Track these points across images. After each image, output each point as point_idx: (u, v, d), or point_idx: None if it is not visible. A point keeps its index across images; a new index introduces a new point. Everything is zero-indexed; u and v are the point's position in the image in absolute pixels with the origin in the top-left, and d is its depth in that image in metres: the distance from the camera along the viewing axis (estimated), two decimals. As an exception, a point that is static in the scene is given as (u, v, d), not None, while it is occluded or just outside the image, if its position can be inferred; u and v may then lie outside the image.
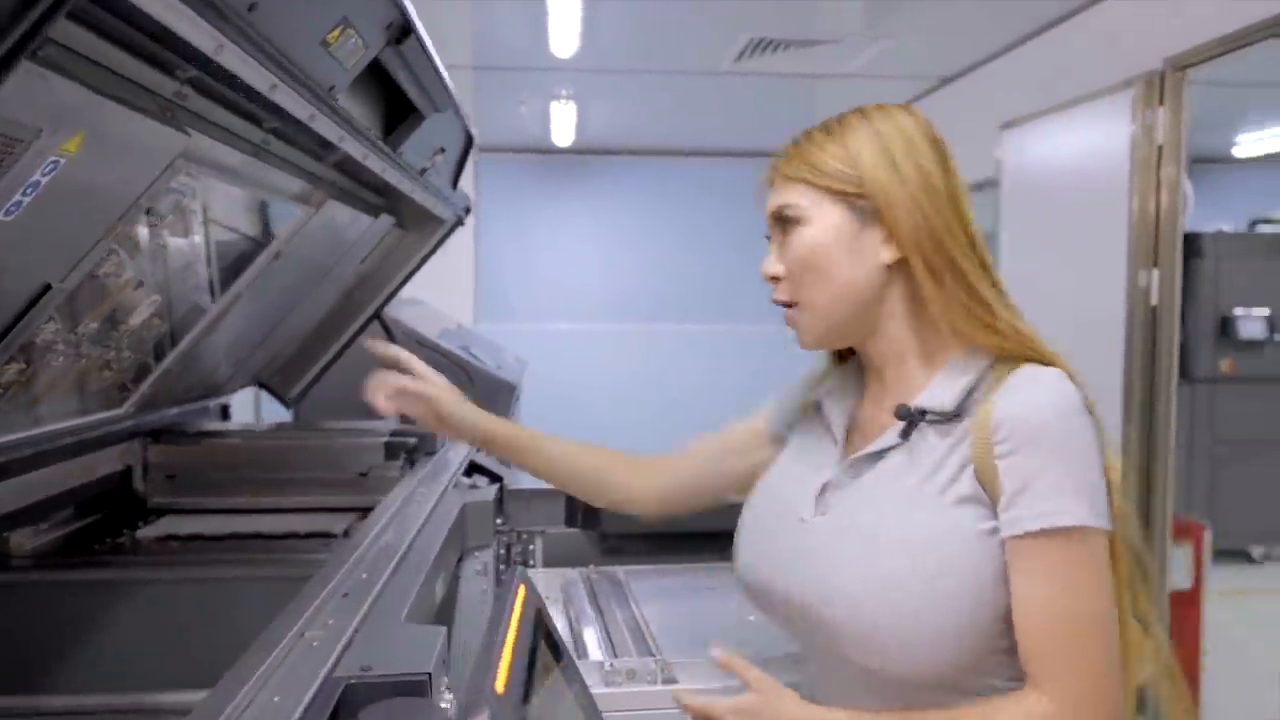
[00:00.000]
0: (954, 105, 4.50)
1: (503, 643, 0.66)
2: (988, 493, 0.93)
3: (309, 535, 1.66)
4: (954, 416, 0.97)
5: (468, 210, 2.15)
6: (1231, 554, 4.73)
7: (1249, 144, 5.94)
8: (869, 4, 3.51)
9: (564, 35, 3.76)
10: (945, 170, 1.00)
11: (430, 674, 0.81)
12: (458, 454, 1.94)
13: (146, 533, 1.64)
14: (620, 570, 1.65)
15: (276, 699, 0.78)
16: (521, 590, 0.79)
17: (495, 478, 1.81)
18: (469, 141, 1.88)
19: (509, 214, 6.34)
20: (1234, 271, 5.01)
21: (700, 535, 1.57)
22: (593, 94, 4.96)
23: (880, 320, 1.02)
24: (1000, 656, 0.95)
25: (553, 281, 6.46)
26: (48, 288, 0.98)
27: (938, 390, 0.99)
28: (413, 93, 1.29)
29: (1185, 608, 2.79)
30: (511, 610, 0.74)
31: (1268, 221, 5.30)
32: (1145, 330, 2.79)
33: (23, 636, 1.39)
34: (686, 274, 6.36)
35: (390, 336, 2.87)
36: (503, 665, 0.61)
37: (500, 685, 0.59)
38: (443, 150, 1.70)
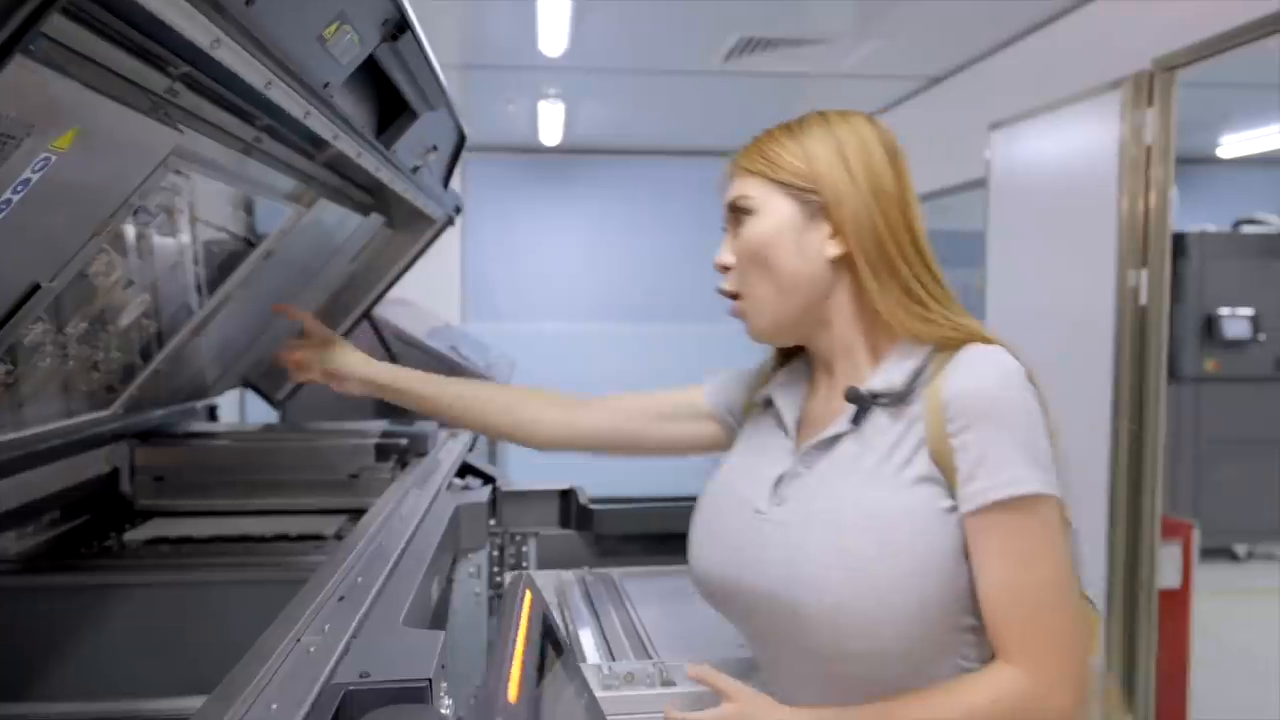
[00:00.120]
0: (943, 105, 4.52)
1: (513, 650, 0.65)
2: (943, 472, 0.96)
3: (300, 537, 1.64)
4: (904, 398, 1.00)
5: (459, 209, 2.13)
6: (1216, 552, 4.77)
7: (1233, 145, 5.98)
8: (858, 4, 3.51)
9: (553, 34, 3.75)
10: (897, 175, 1.05)
11: (431, 680, 0.80)
12: (450, 455, 1.92)
13: (134, 536, 1.61)
14: (615, 572, 1.65)
15: (274, 706, 0.76)
16: (528, 595, 0.77)
17: (488, 479, 1.80)
18: (461, 140, 1.86)
19: (497, 214, 6.32)
20: (1219, 272, 5.05)
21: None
22: (582, 93, 4.94)
23: (828, 314, 1.06)
24: (965, 635, 0.96)
25: (541, 281, 6.45)
26: (36, 287, 0.96)
27: (886, 374, 1.02)
28: (407, 90, 1.28)
29: (1174, 606, 2.80)
30: (519, 616, 0.72)
31: (1251, 222, 5.34)
32: (1134, 330, 2.80)
33: (8, 642, 1.36)
34: (675, 274, 6.36)
35: (379, 336, 2.85)
36: (514, 674, 0.60)
37: (513, 694, 0.58)
38: (435, 148, 1.68)
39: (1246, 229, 5.30)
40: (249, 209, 1.60)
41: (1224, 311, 5.03)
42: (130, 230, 1.28)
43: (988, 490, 0.93)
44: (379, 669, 0.82)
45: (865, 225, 1.01)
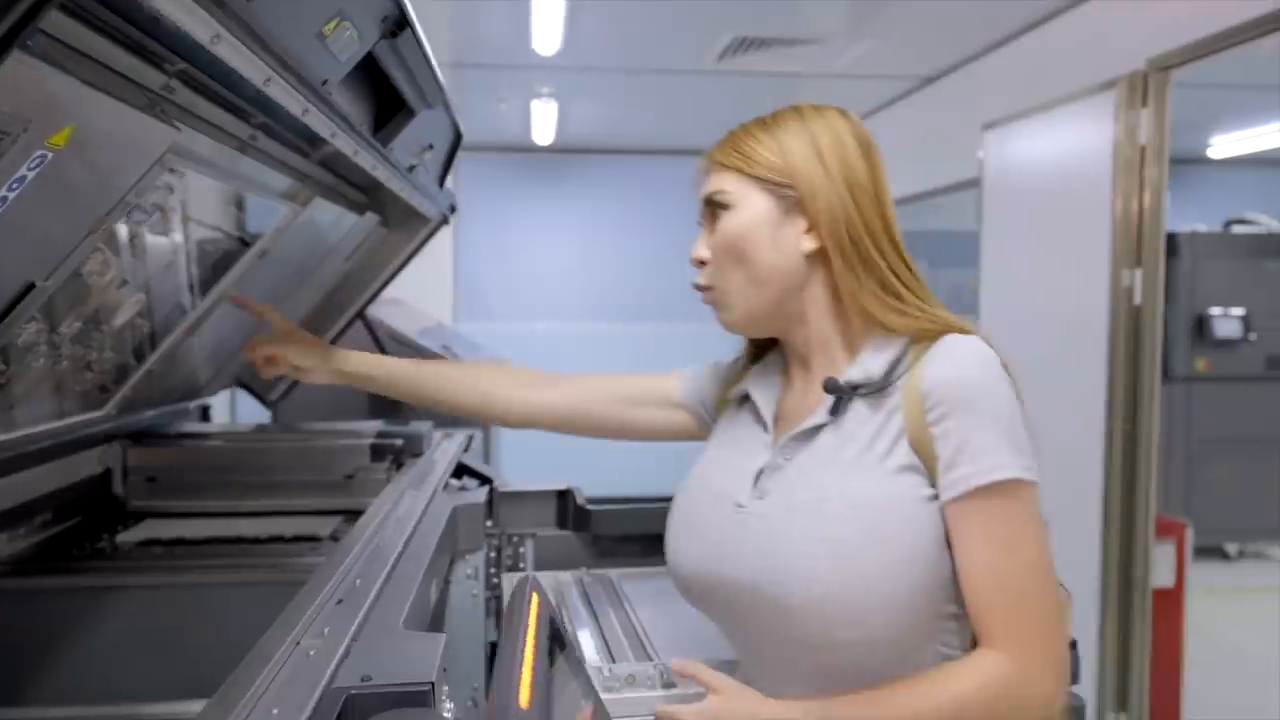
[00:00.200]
0: (937, 105, 4.52)
1: (523, 655, 0.64)
2: (923, 461, 0.97)
3: (295, 539, 1.63)
4: (883, 388, 1.00)
5: (453, 208, 2.12)
6: (1207, 551, 4.79)
7: (1223, 145, 6.01)
8: (852, 3, 3.51)
9: (547, 32, 3.74)
10: (871, 169, 1.05)
11: (433, 683, 0.79)
12: (445, 455, 1.91)
13: (127, 537, 1.60)
14: (613, 573, 1.64)
15: (275, 711, 0.75)
16: (535, 599, 0.77)
17: (485, 480, 1.78)
18: (458, 138, 1.86)
19: (489, 213, 6.31)
20: (1210, 272, 5.07)
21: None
22: (575, 92, 4.93)
23: (803, 307, 1.07)
24: (948, 622, 0.97)
25: (533, 281, 6.43)
26: (31, 286, 0.94)
27: (864, 365, 1.03)
28: (404, 88, 1.27)
29: (1168, 605, 2.81)
30: (527, 620, 0.72)
31: (1242, 222, 5.37)
32: (1129, 330, 2.81)
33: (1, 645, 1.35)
34: (667, 273, 6.34)
35: (372, 335, 2.84)
36: (525, 679, 0.59)
37: (525, 700, 0.57)
38: (431, 147, 1.67)
39: (1237, 229, 5.33)
40: (241, 207, 1.59)
41: (1215, 311, 5.05)
42: (127, 229, 1.26)
43: (970, 476, 0.93)
44: (380, 672, 0.81)
45: (841, 220, 1.02)
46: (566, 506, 1.79)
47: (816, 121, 1.07)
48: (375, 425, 2.02)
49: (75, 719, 1.29)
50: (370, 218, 1.82)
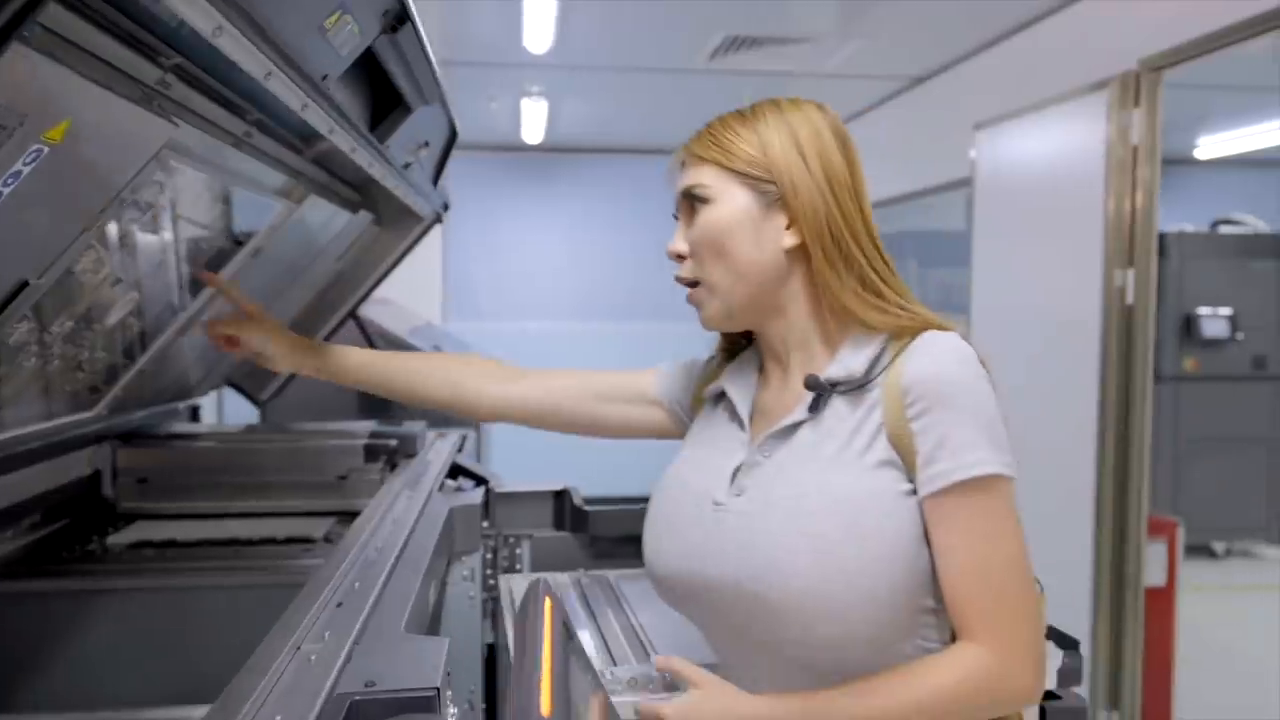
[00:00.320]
0: (928, 105, 4.52)
1: (541, 662, 0.63)
2: (902, 456, 0.97)
3: (288, 540, 1.61)
4: (863, 385, 1.00)
5: (446, 207, 2.11)
6: (1195, 549, 4.81)
7: (1210, 145, 6.04)
8: (843, 3, 3.51)
9: (538, 30, 3.72)
10: (848, 163, 1.05)
11: (439, 688, 0.78)
12: (439, 456, 1.90)
13: (118, 539, 1.57)
14: (611, 574, 1.62)
15: (278, 718, 0.74)
16: (548, 603, 0.75)
17: (480, 480, 1.77)
18: (453, 136, 1.84)
19: (479, 212, 6.28)
20: (1197, 271, 5.10)
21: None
22: (565, 90, 4.92)
23: (783, 302, 1.06)
24: (928, 617, 0.97)
25: (523, 280, 6.41)
26: (24, 284, 0.92)
27: (844, 361, 1.02)
28: (402, 84, 1.25)
29: (1160, 604, 2.82)
30: (542, 625, 0.70)
31: (1229, 222, 5.40)
32: (1120, 330, 2.82)
33: (-11, 649, 1.33)
34: (657, 272, 6.30)
35: (364, 334, 2.82)
36: (544, 686, 0.58)
37: (546, 707, 0.56)
38: (426, 144, 1.66)
39: (1224, 229, 5.36)
40: (229, 204, 1.57)
41: (1203, 311, 5.08)
42: (118, 227, 1.24)
43: (950, 471, 0.93)
44: (384, 678, 0.79)
45: (822, 217, 1.01)
46: (563, 507, 1.78)
47: (795, 115, 1.06)
48: (368, 425, 2.00)
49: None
50: (364, 216, 1.80)
